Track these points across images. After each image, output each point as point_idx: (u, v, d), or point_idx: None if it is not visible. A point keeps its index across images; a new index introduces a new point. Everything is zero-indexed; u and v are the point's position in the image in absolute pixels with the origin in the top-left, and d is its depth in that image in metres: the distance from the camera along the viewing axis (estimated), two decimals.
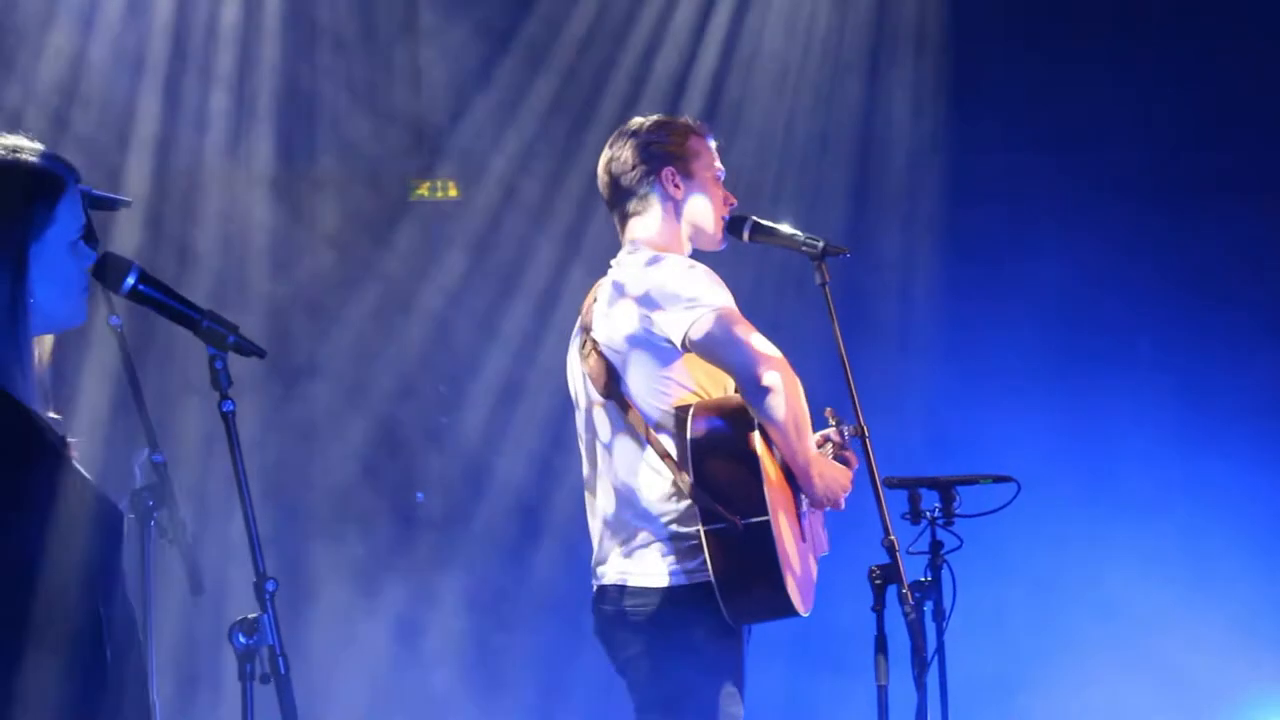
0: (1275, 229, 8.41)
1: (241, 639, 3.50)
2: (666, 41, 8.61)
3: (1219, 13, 8.40)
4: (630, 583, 4.76)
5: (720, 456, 4.64)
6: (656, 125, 5.04)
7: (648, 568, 4.73)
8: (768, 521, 4.57)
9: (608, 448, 4.84)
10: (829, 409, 5.40)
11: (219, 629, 3.62)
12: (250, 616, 3.51)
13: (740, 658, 4.79)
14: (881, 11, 8.66)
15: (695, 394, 4.76)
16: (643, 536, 4.75)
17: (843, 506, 4.96)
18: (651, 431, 4.73)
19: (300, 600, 7.99)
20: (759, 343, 4.64)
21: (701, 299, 4.69)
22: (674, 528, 4.70)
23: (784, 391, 4.60)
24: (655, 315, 4.73)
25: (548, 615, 8.24)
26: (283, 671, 3.47)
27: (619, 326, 4.80)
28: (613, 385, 4.79)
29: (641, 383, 4.77)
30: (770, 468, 4.69)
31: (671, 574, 4.70)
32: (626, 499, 4.79)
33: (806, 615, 4.77)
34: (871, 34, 8.66)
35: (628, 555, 4.78)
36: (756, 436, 4.64)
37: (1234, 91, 8.44)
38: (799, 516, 4.86)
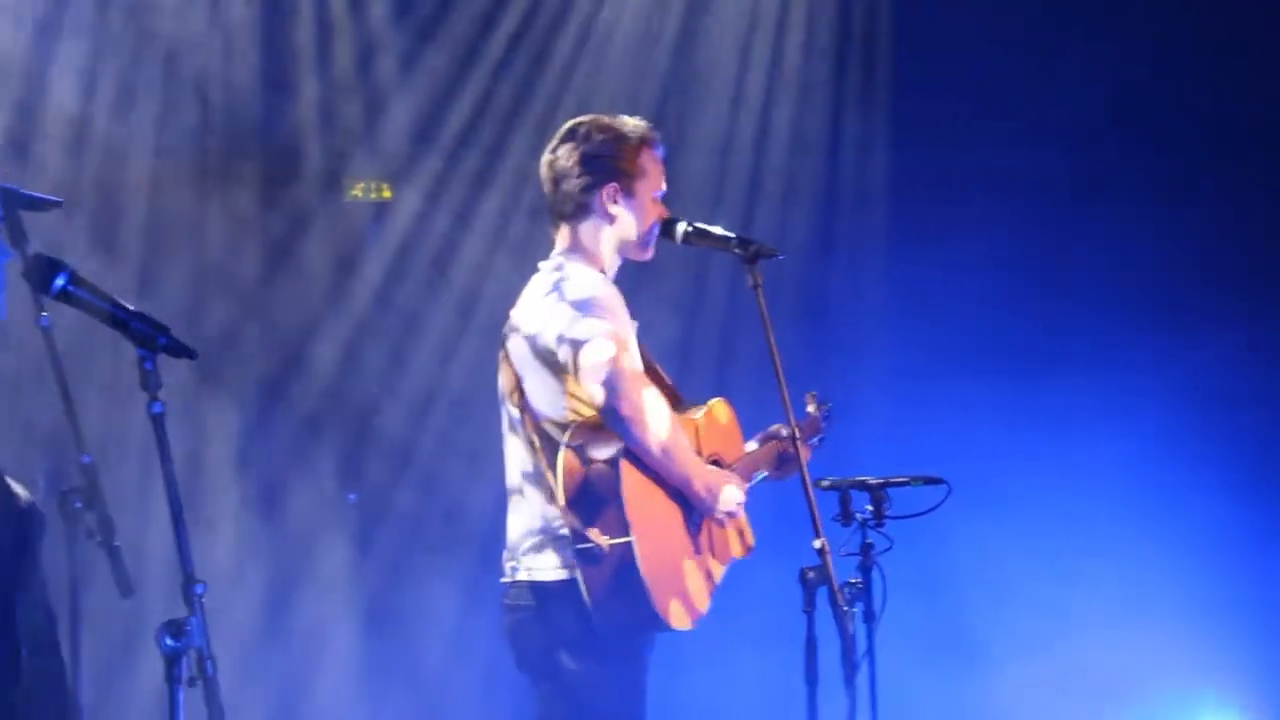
0: (1217, 230, 8.49)
1: (169, 641, 3.48)
2: (604, 39, 8.61)
3: (1164, 16, 8.50)
4: (533, 578, 4.78)
5: (585, 477, 4.66)
6: (609, 136, 4.96)
7: (548, 564, 4.75)
8: (630, 544, 4.58)
9: (513, 450, 4.88)
10: (810, 393, 5.45)
11: (148, 631, 3.59)
12: (178, 618, 3.49)
13: (642, 657, 4.82)
14: (826, 19, 8.71)
15: (588, 408, 4.76)
16: (542, 538, 4.77)
17: (738, 514, 4.95)
18: (542, 443, 4.76)
19: (227, 604, 7.95)
20: (617, 363, 4.63)
21: (584, 321, 4.69)
22: (562, 530, 4.72)
23: (641, 419, 4.60)
24: (548, 330, 4.75)
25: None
26: (210, 674, 3.46)
27: (524, 337, 4.84)
28: (516, 393, 4.83)
29: (537, 394, 4.80)
30: (642, 483, 4.69)
31: (562, 570, 4.72)
32: (530, 501, 4.82)
33: (689, 629, 4.77)
34: (814, 38, 8.70)
35: (530, 553, 4.80)
36: (621, 456, 4.65)
37: (1177, 97, 8.53)
38: (690, 528, 4.86)
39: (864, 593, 5.54)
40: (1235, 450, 8.35)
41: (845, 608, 4.65)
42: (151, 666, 3.65)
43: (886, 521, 5.72)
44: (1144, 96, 8.55)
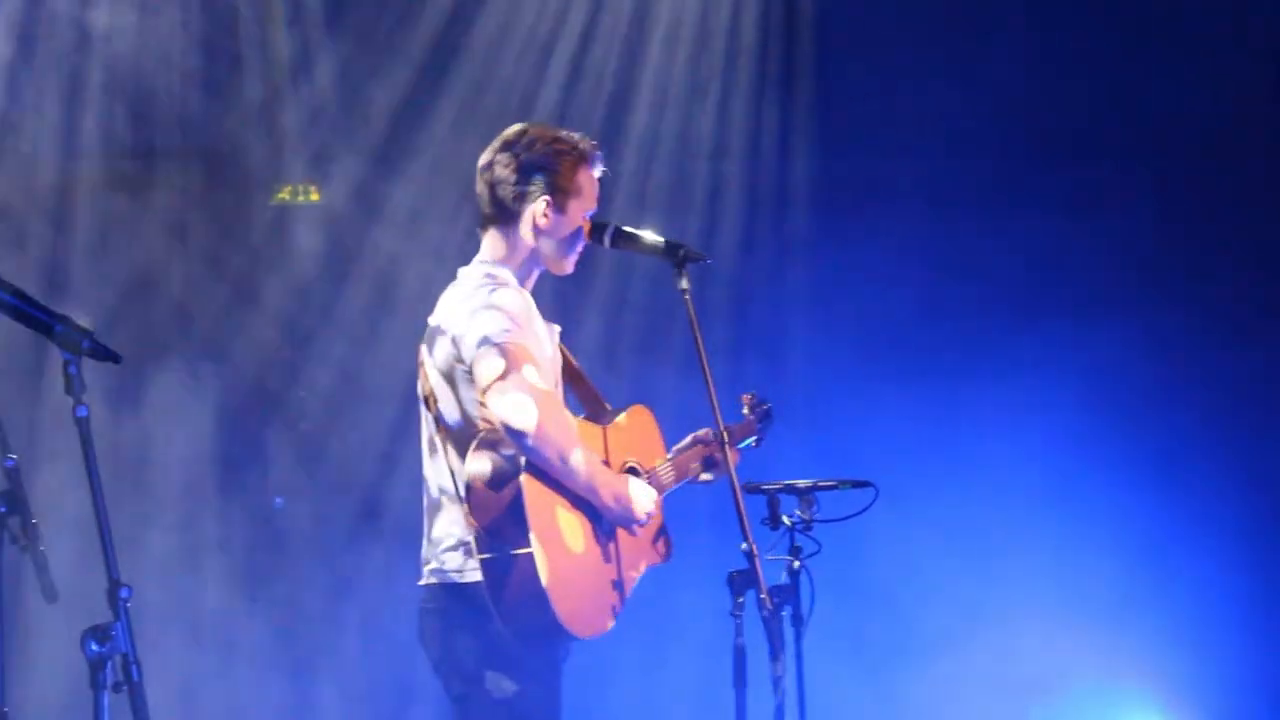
0: (1129, 231, 8.57)
1: (94, 646, 3.46)
2: (526, 41, 8.60)
3: (1068, 25, 8.58)
4: (452, 580, 4.79)
5: (487, 488, 4.65)
6: (549, 149, 4.94)
7: (467, 567, 4.76)
8: (530, 555, 4.59)
9: (431, 456, 4.89)
10: (747, 394, 5.48)
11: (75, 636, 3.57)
12: (103, 623, 3.47)
13: (556, 662, 4.84)
14: (747, 24, 8.74)
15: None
16: (455, 540, 4.79)
17: (645, 523, 4.95)
18: (456, 450, 4.77)
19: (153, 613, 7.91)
20: (514, 378, 4.60)
21: (493, 334, 4.68)
22: (470, 536, 4.73)
23: (540, 433, 4.58)
24: (462, 342, 4.74)
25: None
26: (135, 679, 3.44)
27: (439, 346, 4.83)
28: (433, 400, 4.85)
29: (450, 404, 4.81)
30: (545, 494, 4.70)
31: (473, 573, 4.72)
32: (448, 506, 4.83)
33: (591, 637, 4.77)
34: (734, 43, 8.73)
35: (445, 554, 4.82)
36: (522, 469, 4.64)
37: (1090, 103, 8.61)
38: (599, 537, 4.87)
39: (792, 596, 5.56)
40: (1154, 448, 8.43)
41: (773, 611, 4.66)
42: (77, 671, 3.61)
43: (814, 525, 5.74)
44: (1058, 103, 8.62)
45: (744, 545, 4.66)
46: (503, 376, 4.60)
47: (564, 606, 4.63)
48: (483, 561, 4.63)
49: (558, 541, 4.69)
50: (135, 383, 8.10)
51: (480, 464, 4.66)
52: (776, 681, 4.70)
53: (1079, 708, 8.26)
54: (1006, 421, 8.43)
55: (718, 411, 4.78)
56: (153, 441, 8.26)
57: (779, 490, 5.76)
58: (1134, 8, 8.54)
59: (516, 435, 4.57)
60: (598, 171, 5.04)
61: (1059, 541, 8.34)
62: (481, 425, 4.74)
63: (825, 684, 6.08)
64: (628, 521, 4.89)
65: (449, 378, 4.80)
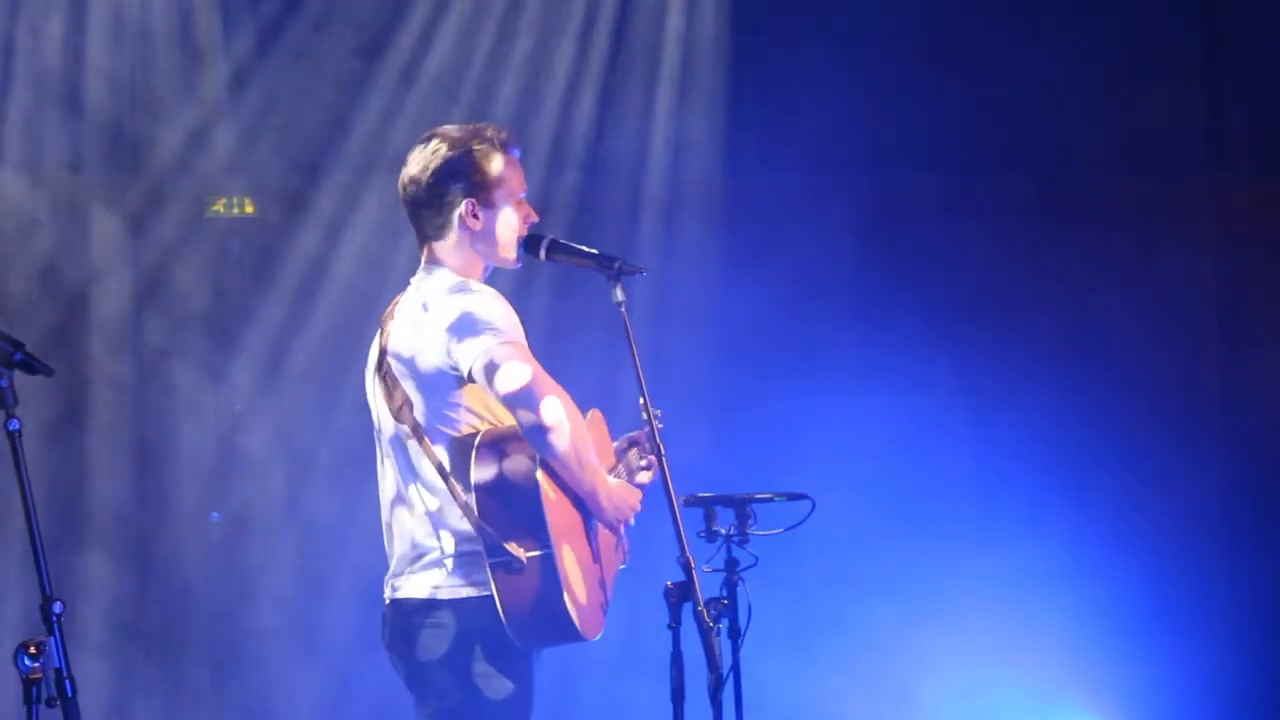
0: (1066, 249, 8.65)
1: (27, 662, 3.44)
2: (452, 48, 8.60)
3: (997, 37, 8.67)
4: (427, 595, 4.77)
5: (502, 488, 4.67)
6: (458, 151, 4.91)
7: (444, 582, 4.76)
8: (550, 554, 4.62)
9: (401, 470, 4.84)
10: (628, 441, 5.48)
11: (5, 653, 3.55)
12: (36, 639, 3.44)
13: (531, 668, 4.83)
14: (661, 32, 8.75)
15: (488, 422, 4.77)
16: (436, 554, 4.77)
17: (633, 523, 5.00)
18: (441, 458, 4.75)
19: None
20: (538, 379, 4.65)
21: (490, 331, 4.69)
22: (466, 546, 4.73)
23: (562, 427, 4.63)
24: (451, 344, 4.72)
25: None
26: (70, 694, 3.42)
27: (416, 352, 4.79)
28: (406, 410, 4.80)
29: (433, 409, 4.78)
30: (553, 494, 4.72)
31: (467, 587, 4.72)
32: (421, 519, 4.80)
33: (595, 640, 4.80)
34: (652, 52, 8.75)
35: (424, 570, 4.79)
36: (537, 467, 4.67)
37: (1025, 115, 8.68)
38: (589, 538, 4.88)
39: (729, 609, 5.56)
40: (1077, 450, 8.52)
41: (710, 624, 4.66)
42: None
43: (751, 537, 5.75)
44: (1023, 121, 8.72)
45: (681, 557, 4.67)
46: (509, 375, 4.61)
47: (575, 608, 4.67)
48: (494, 565, 4.62)
49: (565, 542, 4.71)
50: (63, 396, 8.05)
51: (490, 467, 4.67)
52: (714, 695, 4.71)
53: (1014, 709, 8.31)
54: (938, 430, 8.48)
55: (654, 423, 4.79)
56: (85, 459, 8.23)
57: (715, 501, 5.77)
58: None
59: (542, 433, 4.59)
60: (515, 154, 5.01)
61: (992, 546, 8.40)
62: (464, 430, 4.73)
63: (763, 696, 6.08)
64: (618, 523, 4.93)
65: (431, 384, 4.77)
